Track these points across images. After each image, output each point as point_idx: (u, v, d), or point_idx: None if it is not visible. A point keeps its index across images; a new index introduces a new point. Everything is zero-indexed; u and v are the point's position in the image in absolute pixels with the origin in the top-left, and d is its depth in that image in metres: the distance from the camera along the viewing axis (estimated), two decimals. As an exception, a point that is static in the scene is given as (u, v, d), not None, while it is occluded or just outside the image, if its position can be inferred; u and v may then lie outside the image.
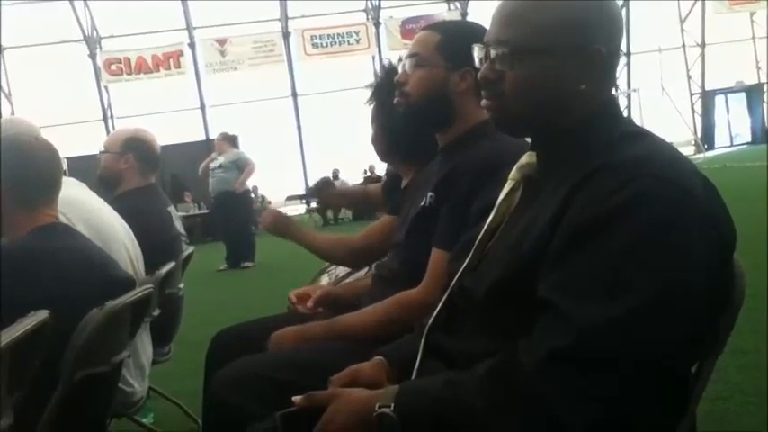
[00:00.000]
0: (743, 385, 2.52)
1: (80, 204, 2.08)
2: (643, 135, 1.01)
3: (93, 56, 18.05)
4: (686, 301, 0.87)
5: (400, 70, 1.66)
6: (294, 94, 19.40)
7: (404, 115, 1.63)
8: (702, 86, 22.51)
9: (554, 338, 0.87)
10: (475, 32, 1.48)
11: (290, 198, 17.00)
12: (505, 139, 1.41)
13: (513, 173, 1.12)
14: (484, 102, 1.09)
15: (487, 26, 1.11)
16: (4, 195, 1.55)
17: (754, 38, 22.60)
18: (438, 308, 1.18)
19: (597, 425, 0.85)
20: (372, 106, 1.96)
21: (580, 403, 0.85)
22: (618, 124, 1.04)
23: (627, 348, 0.85)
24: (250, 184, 9.60)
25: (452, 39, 1.55)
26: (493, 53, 1.05)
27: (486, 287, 1.03)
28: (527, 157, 1.12)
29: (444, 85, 1.56)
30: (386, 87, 1.84)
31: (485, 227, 1.13)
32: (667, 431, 0.97)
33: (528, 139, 1.16)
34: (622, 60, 19.55)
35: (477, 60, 1.11)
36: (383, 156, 2.04)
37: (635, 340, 0.85)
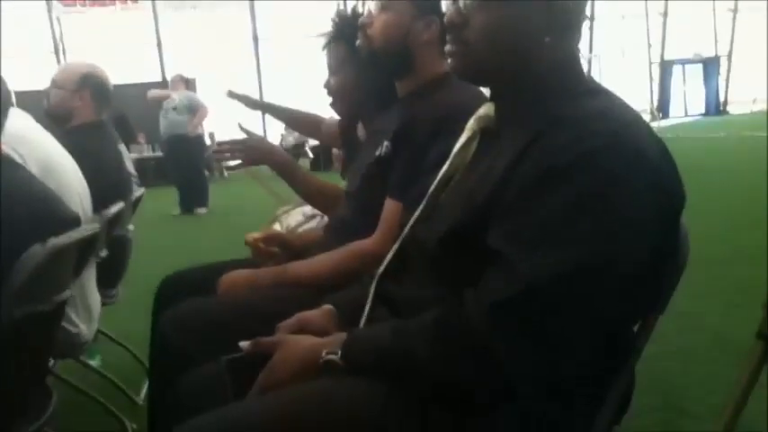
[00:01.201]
0: (682, 346, 2.62)
1: (33, 141, 2.00)
2: (601, 93, 1.01)
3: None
4: (631, 256, 0.88)
5: (365, 12, 1.62)
6: (255, 38, 18.96)
7: (365, 59, 1.59)
8: (662, 56, 22.81)
9: (499, 289, 0.88)
10: None
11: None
12: (464, 90, 1.40)
13: (471, 123, 1.12)
14: (447, 47, 1.07)
15: None
16: None
17: (714, 11, 22.92)
18: (389, 257, 1.17)
19: (541, 374, 0.87)
20: (336, 50, 1.88)
21: (525, 351, 0.86)
22: (578, 80, 1.03)
23: (571, 300, 0.86)
24: (207, 129, 9.42)
25: None
26: None
27: (438, 237, 1.03)
28: (485, 108, 1.11)
29: (408, 32, 1.53)
30: (356, 28, 1.75)
31: (439, 176, 1.12)
32: (605, 383, 1.00)
33: (486, 91, 1.15)
34: (585, 24, 19.59)
35: (444, 5, 1.09)
36: (349, 105, 1.96)
37: (579, 293, 0.86)
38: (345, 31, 1.82)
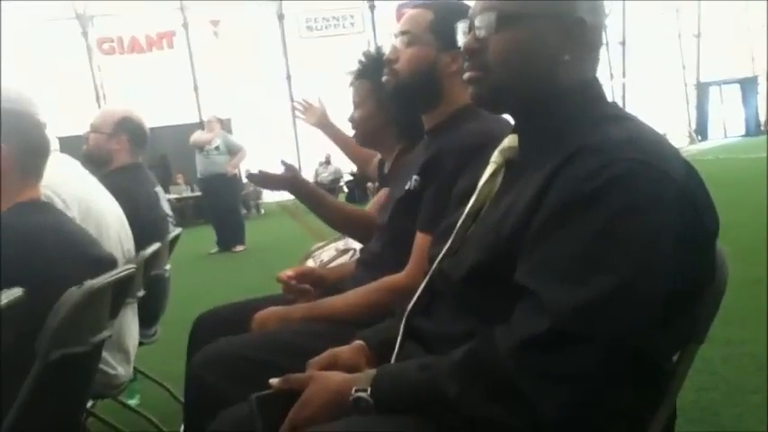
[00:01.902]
0: (727, 376, 2.53)
1: (73, 184, 2.06)
2: (625, 118, 1.00)
3: (85, 34, 17.89)
4: (659, 282, 0.86)
5: (389, 48, 1.64)
6: (288, 77, 19.31)
7: (392, 93, 1.61)
8: (698, 77, 22.55)
9: (528, 325, 0.87)
10: (467, 13, 1.46)
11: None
12: (491, 119, 1.40)
13: (495, 156, 1.11)
14: (466, 74, 1.07)
15: None
16: (7, 162, 1.52)
17: (749, 30, 22.61)
18: (419, 291, 1.16)
19: (571, 410, 0.84)
20: (361, 86, 1.92)
21: (553, 389, 0.84)
22: (600, 106, 1.03)
23: (598, 331, 0.84)
24: (243, 168, 9.60)
25: (445, 19, 1.52)
26: (477, 22, 1.03)
27: (465, 271, 1.02)
28: (509, 140, 1.10)
29: (434, 65, 1.54)
30: (380, 66, 1.79)
31: (466, 210, 1.12)
32: (644, 417, 0.97)
33: (511, 121, 1.15)
34: (618, 49, 19.57)
35: (460, 36, 1.09)
36: (369, 138, 1.99)
37: (607, 322, 0.84)
38: (370, 69, 1.85)
